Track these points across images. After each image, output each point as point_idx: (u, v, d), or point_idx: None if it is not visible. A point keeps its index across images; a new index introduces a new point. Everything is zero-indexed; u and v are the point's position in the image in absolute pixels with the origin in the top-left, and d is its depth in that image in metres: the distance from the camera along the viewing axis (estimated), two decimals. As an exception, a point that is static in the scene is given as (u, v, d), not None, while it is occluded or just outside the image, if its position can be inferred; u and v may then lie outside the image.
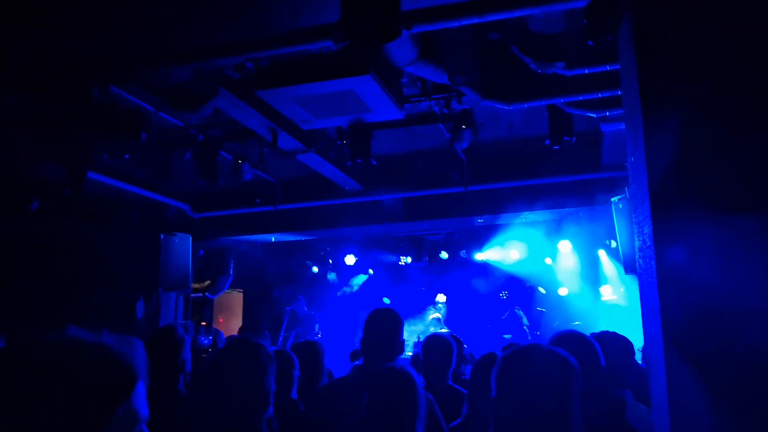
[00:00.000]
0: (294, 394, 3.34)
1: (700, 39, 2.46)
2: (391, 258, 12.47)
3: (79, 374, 0.88)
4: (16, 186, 6.97)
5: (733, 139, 2.35)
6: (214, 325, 11.14)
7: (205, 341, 7.23)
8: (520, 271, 11.78)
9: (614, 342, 3.07)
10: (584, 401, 1.81)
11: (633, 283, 7.46)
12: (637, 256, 2.75)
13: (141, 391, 0.94)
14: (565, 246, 10.73)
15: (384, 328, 3.01)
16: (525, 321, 10.86)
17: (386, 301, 12.59)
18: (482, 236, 11.39)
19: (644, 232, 2.51)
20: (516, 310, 11.00)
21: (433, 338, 4.07)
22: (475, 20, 3.80)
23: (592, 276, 10.95)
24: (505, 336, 10.54)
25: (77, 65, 4.54)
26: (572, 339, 2.50)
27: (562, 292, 11.59)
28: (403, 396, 2.35)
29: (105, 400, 0.88)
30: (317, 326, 9.88)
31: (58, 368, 0.87)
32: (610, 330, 3.40)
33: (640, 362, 4.10)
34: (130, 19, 4.01)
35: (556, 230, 10.33)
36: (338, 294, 12.99)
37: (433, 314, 11.50)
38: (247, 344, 2.29)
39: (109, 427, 0.87)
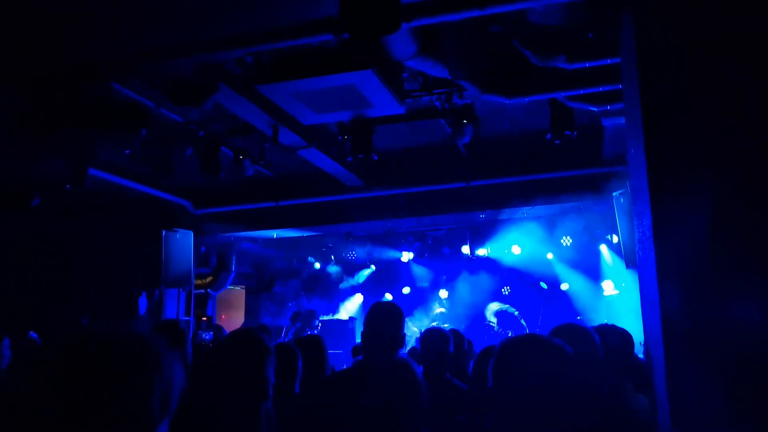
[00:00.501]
0: (297, 389, 3.34)
1: (701, 32, 2.45)
2: (393, 253, 12.48)
3: (130, 358, 1.09)
4: (17, 183, 6.98)
5: (733, 131, 2.34)
6: (217, 321, 11.17)
7: (207, 336, 7.25)
8: (522, 266, 11.79)
9: (613, 334, 3.08)
10: (582, 392, 1.81)
11: (634, 278, 7.46)
12: (636, 248, 2.75)
13: (167, 365, 1.14)
14: (566, 241, 10.74)
15: (385, 322, 3.00)
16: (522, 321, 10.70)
17: (388, 296, 12.60)
18: (484, 231, 11.40)
19: (644, 223, 2.51)
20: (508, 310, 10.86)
21: (431, 332, 4.07)
22: (476, 13, 3.79)
23: (594, 271, 10.96)
24: (503, 331, 10.52)
25: (77, 61, 4.55)
26: (571, 330, 2.51)
27: (564, 286, 11.61)
28: (404, 388, 2.36)
29: (147, 375, 1.09)
30: (318, 321, 9.90)
31: (113, 352, 1.09)
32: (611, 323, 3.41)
33: (641, 356, 4.10)
34: (130, 15, 4.01)
35: (557, 225, 10.34)
36: (340, 289, 13.01)
37: (438, 309, 11.51)
38: (246, 336, 2.30)
39: (152, 399, 1.07)
